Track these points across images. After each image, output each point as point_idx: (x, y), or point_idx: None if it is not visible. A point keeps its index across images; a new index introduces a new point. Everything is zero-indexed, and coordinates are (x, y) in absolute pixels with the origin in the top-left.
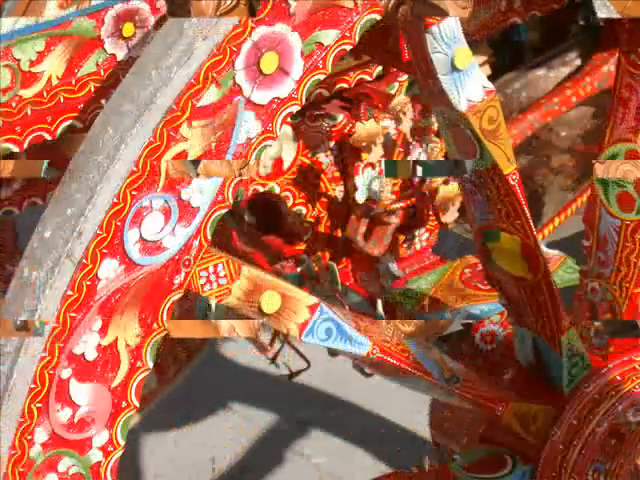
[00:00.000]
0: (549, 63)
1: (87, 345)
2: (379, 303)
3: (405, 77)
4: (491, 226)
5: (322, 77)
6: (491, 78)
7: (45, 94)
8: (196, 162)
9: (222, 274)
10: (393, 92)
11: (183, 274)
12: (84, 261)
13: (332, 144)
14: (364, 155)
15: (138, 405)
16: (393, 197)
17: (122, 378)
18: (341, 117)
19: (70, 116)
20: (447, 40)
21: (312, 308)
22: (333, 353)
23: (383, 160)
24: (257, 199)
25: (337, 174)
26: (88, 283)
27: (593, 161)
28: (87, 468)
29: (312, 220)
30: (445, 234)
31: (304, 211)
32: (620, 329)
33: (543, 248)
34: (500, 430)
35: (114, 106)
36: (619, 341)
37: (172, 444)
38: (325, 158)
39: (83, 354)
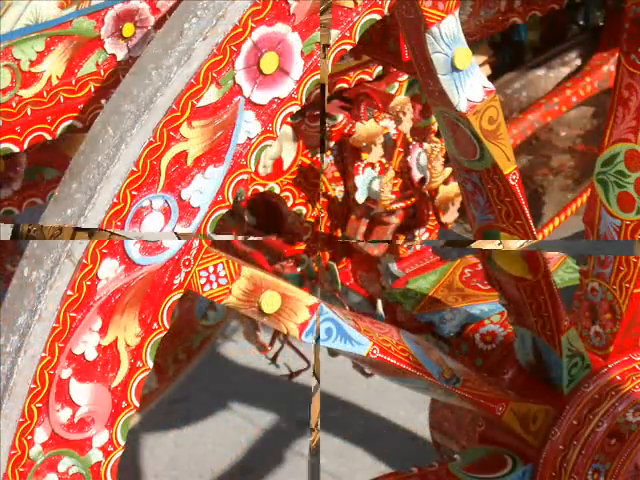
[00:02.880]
0: (549, 63)
1: (87, 345)
2: (379, 303)
3: (405, 77)
4: (491, 226)
5: None
6: (491, 78)
7: (45, 94)
8: (196, 162)
9: (222, 274)
10: (393, 92)
11: (183, 274)
12: (84, 261)
13: (332, 144)
14: (364, 155)
15: (138, 405)
16: (393, 197)
17: (122, 378)
18: (341, 117)
19: (70, 116)
20: (447, 40)
21: (312, 308)
22: (333, 353)
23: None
24: (257, 199)
25: (337, 174)
26: (88, 283)
27: (593, 161)
28: (87, 468)
29: (312, 220)
30: (445, 234)
31: (304, 211)
32: (620, 329)
33: None
34: (500, 430)
35: (114, 106)
36: (619, 341)
37: (172, 444)
38: (325, 158)
39: (83, 354)
